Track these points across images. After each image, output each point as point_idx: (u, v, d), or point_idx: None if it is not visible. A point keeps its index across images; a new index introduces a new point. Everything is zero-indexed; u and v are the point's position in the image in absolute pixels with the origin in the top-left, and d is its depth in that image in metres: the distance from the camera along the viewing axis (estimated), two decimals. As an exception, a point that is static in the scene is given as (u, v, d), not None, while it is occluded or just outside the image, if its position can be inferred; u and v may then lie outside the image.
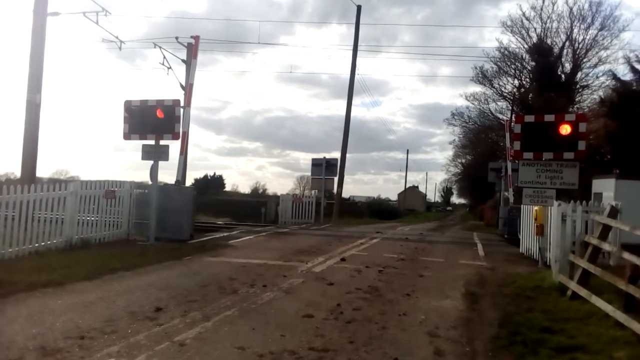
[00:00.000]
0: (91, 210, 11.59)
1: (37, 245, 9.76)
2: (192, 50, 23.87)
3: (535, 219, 10.95)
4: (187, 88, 13.94)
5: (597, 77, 35.60)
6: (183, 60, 24.43)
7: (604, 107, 25.03)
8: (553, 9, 36.67)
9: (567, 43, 36.32)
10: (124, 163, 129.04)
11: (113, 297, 6.33)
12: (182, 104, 12.58)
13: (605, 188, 15.04)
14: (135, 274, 8.08)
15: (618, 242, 9.35)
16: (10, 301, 5.98)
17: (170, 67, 23.11)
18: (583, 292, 6.55)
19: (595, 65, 35.98)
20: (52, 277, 7.20)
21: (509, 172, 20.92)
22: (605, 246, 6.90)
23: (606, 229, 6.96)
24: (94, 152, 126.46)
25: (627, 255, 5.67)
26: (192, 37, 14.89)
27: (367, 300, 6.68)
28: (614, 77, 27.51)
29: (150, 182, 12.87)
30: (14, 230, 9.24)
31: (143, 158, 12.28)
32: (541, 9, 36.74)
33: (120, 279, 7.61)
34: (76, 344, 4.46)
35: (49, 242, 10.11)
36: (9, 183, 11.15)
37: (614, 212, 7.08)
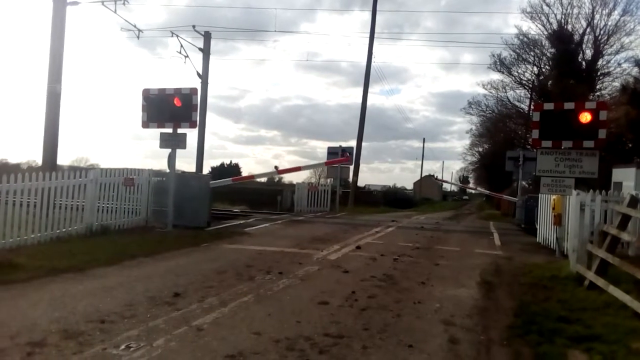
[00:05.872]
0: (111, 197, 11.79)
1: (58, 231, 9.98)
2: (209, 39, 24.01)
3: (553, 209, 10.84)
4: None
5: (619, 64, 34.79)
6: (200, 49, 24.51)
7: (625, 95, 24.54)
8: (574, -6, 35.83)
9: (588, 29, 35.47)
10: (143, 151, 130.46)
11: (132, 283, 6.46)
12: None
13: (626, 177, 14.83)
14: (154, 260, 8.22)
15: (638, 232, 9.25)
16: (33, 285, 6.14)
17: (187, 56, 23.20)
18: (600, 282, 6.49)
19: (617, 52, 35.13)
20: (73, 263, 7.38)
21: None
22: (625, 236, 6.83)
23: (626, 218, 6.86)
24: (114, 140, 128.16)
25: (646, 246, 5.61)
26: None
27: (382, 288, 6.71)
28: (637, 64, 26.99)
29: (168, 170, 13.02)
30: (35, 216, 9.46)
31: (161, 146, 12.40)
32: (562, -6, 35.93)
33: (140, 264, 7.75)
34: (97, 327, 4.57)
35: (69, 229, 10.31)
36: (30, 171, 11.36)
37: (634, 202, 6.97)
